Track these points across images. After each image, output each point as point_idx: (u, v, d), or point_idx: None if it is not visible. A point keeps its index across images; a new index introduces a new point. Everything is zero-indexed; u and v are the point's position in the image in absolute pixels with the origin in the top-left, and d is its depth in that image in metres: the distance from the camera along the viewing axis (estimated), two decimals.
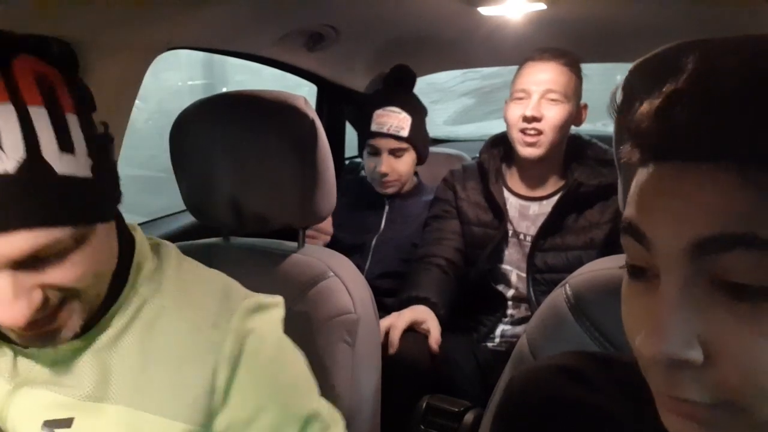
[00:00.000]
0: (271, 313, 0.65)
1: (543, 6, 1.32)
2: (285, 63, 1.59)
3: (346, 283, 0.87)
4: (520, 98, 1.29)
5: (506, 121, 1.32)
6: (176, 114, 0.90)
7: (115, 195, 0.56)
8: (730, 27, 1.33)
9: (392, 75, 1.63)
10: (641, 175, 0.35)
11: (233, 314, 0.60)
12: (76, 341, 0.56)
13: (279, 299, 0.67)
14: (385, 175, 1.54)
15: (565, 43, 1.34)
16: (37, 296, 0.48)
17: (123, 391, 0.57)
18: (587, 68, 1.35)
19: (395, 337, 1.19)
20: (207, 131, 0.87)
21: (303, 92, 0.95)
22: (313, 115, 0.85)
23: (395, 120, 1.50)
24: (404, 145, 1.52)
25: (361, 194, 1.64)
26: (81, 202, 0.49)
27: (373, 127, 1.52)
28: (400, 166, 1.55)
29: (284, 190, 0.85)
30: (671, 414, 0.34)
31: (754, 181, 0.29)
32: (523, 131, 1.27)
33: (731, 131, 0.30)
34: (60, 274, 0.49)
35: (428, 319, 1.24)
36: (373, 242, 1.57)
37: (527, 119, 1.25)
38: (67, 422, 0.56)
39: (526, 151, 1.29)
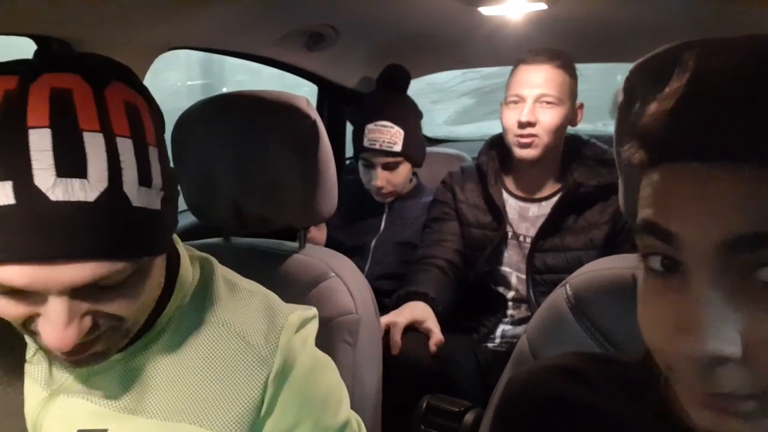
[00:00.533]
0: (311, 326, 0.66)
1: (543, 6, 1.32)
2: (285, 63, 1.59)
3: (347, 284, 0.87)
4: (515, 102, 1.29)
5: (502, 125, 1.33)
6: (176, 114, 0.90)
7: (175, 224, 0.55)
8: (731, 27, 1.33)
9: (384, 76, 1.62)
10: (654, 176, 0.35)
11: (282, 330, 0.61)
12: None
13: (314, 311, 0.68)
14: (381, 188, 1.54)
15: (565, 43, 1.33)
16: (87, 323, 0.47)
17: (159, 404, 0.57)
18: (587, 68, 1.35)
19: (397, 336, 1.18)
20: (208, 131, 0.87)
21: (303, 92, 0.95)
22: (315, 115, 0.85)
23: (387, 135, 1.49)
24: (398, 159, 1.52)
25: (360, 195, 1.63)
26: (149, 235, 0.48)
27: (366, 143, 1.51)
28: (394, 179, 1.55)
29: (285, 191, 0.85)
30: (704, 409, 0.34)
31: None
32: (518, 135, 1.28)
33: (744, 130, 0.30)
34: (115, 303, 0.48)
35: (428, 318, 1.23)
36: (373, 243, 1.57)
37: (522, 125, 1.25)
38: None
39: (522, 153, 1.29)
